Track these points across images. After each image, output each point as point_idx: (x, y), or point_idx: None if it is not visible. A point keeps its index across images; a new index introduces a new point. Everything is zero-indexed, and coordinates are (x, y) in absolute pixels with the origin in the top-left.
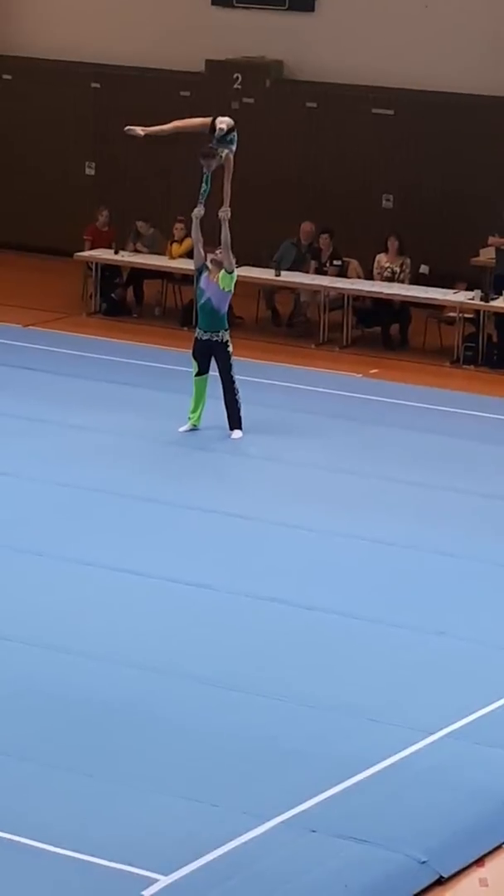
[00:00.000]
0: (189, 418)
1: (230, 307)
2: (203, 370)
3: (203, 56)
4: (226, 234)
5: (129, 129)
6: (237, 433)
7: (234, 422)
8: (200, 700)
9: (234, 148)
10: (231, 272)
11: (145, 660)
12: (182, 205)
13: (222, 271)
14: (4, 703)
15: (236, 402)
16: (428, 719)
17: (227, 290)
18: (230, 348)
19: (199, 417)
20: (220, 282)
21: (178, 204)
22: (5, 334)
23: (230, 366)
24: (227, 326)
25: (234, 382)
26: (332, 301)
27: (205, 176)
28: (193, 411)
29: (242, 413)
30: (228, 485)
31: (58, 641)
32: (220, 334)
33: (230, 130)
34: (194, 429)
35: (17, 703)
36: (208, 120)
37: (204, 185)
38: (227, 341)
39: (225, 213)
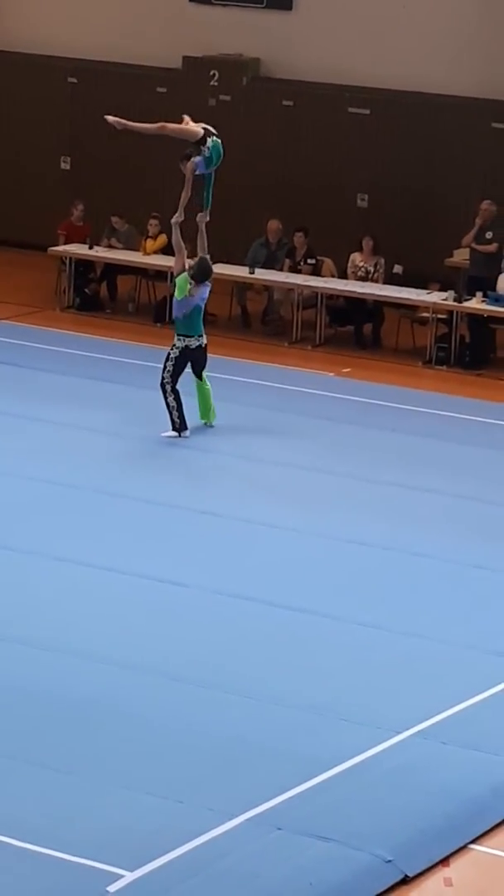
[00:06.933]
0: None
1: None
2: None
3: (180, 53)
4: (177, 237)
5: (109, 119)
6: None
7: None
8: (168, 696)
9: (201, 159)
10: (180, 276)
11: (114, 656)
12: (156, 201)
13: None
14: None
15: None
16: (396, 719)
17: (179, 297)
18: (174, 352)
19: (206, 413)
20: (177, 290)
21: (152, 200)
22: None
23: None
24: (190, 332)
25: (168, 383)
26: (305, 300)
27: (207, 180)
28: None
29: (217, 410)
30: (200, 482)
31: (27, 637)
32: (183, 340)
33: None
34: (207, 426)
35: None
36: (200, 131)
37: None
38: (176, 347)
39: (177, 219)
